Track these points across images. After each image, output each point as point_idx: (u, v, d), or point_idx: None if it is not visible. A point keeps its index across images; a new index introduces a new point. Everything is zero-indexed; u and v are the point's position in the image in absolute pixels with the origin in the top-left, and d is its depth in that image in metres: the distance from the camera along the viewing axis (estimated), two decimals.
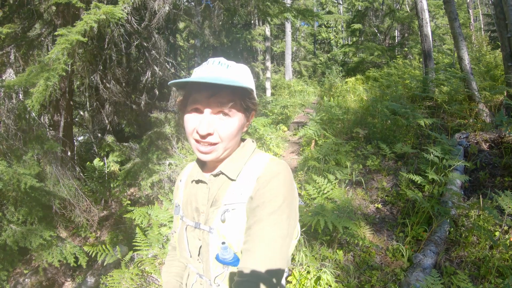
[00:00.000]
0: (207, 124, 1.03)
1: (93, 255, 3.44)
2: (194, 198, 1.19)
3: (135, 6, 4.03)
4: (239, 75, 1.09)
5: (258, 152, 1.21)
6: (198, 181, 1.20)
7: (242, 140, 1.24)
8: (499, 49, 11.66)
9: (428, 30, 8.98)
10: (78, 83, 6.03)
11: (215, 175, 1.16)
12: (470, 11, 17.28)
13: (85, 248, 3.51)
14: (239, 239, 1.04)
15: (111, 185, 6.02)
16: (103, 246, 3.48)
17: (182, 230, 1.21)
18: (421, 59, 14.12)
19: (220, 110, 1.05)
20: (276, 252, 0.98)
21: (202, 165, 1.25)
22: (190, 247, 1.18)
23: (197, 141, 1.07)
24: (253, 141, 1.26)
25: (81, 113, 7.58)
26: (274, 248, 0.98)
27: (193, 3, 8.75)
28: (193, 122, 1.06)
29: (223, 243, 1.05)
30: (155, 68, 6.00)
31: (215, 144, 1.07)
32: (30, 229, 3.58)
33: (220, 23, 7.87)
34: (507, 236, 3.71)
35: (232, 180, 1.12)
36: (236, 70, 1.10)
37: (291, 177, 1.10)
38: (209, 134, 1.04)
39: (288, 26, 17.71)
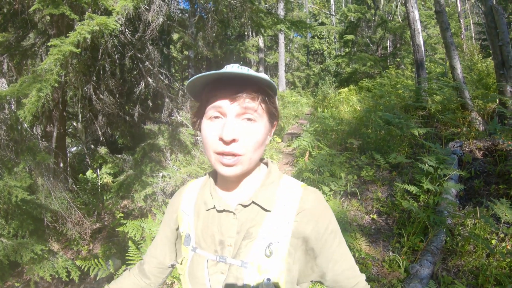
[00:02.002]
0: (232, 129, 0.92)
1: (85, 269, 3.37)
2: (217, 230, 1.06)
3: (129, 17, 4.01)
4: (260, 75, 0.99)
5: (283, 177, 1.13)
6: (220, 211, 1.06)
7: (261, 159, 1.15)
8: (490, 57, 11.82)
9: (420, 40, 9.08)
10: (71, 93, 5.98)
11: (245, 206, 1.04)
12: (461, 20, 17.52)
13: (78, 262, 3.44)
14: (283, 275, 1.00)
15: (104, 197, 5.96)
16: (96, 260, 3.41)
17: (199, 263, 1.07)
18: (413, 69, 14.26)
19: (245, 112, 0.94)
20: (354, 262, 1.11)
21: (218, 186, 1.12)
22: (211, 282, 1.05)
23: (219, 153, 0.95)
24: (272, 162, 1.17)
25: (74, 124, 7.53)
26: (353, 261, 1.11)
27: (187, 15, 8.78)
28: (216, 129, 0.95)
29: (268, 279, 0.98)
30: (149, 79, 5.99)
31: (239, 155, 0.95)
32: (21, 242, 3.49)
33: (214, 34, 7.89)
34: (503, 244, 3.71)
35: (267, 211, 1.03)
36: (256, 73, 0.99)
37: (326, 202, 1.10)
38: (234, 141, 0.93)
39: (281, 38, 17.84)
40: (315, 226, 1.02)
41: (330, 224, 1.05)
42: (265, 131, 1.01)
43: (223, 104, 0.94)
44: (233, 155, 0.94)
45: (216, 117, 0.96)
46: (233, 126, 0.92)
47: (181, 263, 1.14)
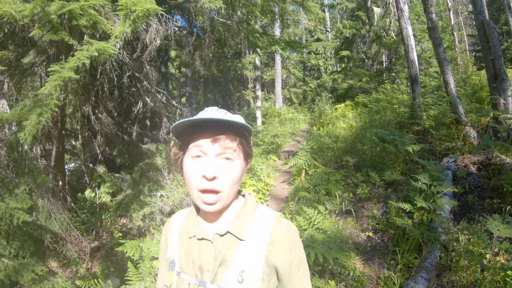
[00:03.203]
0: (214, 167, 1.02)
1: None
2: (196, 256, 1.15)
3: (127, 40, 4.11)
4: (237, 119, 1.09)
5: (260, 207, 1.23)
6: (199, 239, 1.16)
7: (239, 191, 1.24)
8: (484, 69, 11.96)
9: (414, 55, 9.18)
10: (70, 111, 6.04)
11: (222, 235, 1.13)
12: (455, 33, 17.73)
13: (77, 282, 3.48)
14: None
15: (103, 216, 5.98)
16: (95, 280, 3.45)
17: (182, 287, 1.16)
18: (408, 83, 14.39)
19: (224, 152, 1.04)
20: None
21: (201, 216, 1.21)
22: None
23: (202, 191, 1.04)
24: (250, 194, 1.26)
25: (73, 142, 7.58)
26: None
27: (184, 32, 8.91)
28: (197, 168, 1.04)
29: None
30: (147, 98, 6.07)
31: (218, 192, 1.04)
32: (22, 263, 3.55)
33: (211, 55, 8.01)
34: (497, 258, 3.74)
35: (241, 240, 1.12)
36: (234, 116, 1.10)
37: (297, 234, 1.19)
38: (215, 178, 1.02)
39: (277, 55, 18.01)
40: (284, 257, 1.12)
41: (296, 257, 1.14)
42: (242, 168, 1.11)
43: (205, 143, 1.04)
44: (214, 192, 1.04)
45: (198, 156, 1.06)
46: (214, 164, 1.02)
47: (169, 287, 1.24)
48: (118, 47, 3.83)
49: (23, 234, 3.67)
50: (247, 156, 1.16)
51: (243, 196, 1.25)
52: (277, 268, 1.11)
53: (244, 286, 1.07)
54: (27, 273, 3.46)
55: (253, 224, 1.15)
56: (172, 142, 1.23)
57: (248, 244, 1.12)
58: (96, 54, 3.31)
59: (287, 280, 1.14)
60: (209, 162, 1.03)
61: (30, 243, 3.61)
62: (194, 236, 1.16)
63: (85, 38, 3.52)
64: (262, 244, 1.11)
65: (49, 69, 3.14)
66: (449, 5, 17.17)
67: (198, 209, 1.23)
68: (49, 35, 3.46)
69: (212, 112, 1.09)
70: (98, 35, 4.39)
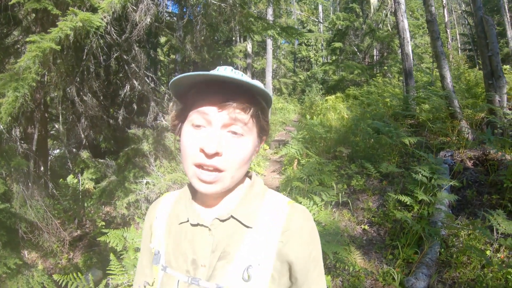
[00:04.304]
0: (217, 141, 0.79)
1: (63, 284, 3.14)
2: (188, 247, 0.91)
3: (115, 16, 3.83)
4: (256, 83, 0.85)
5: (268, 191, 1.00)
6: (194, 225, 0.93)
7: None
8: (476, 67, 11.97)
9: (409, 49, 9.13)
10: (54, 93, 5.73)
11: (223, 220, 0.91)
12: (448, 30, 17.70)
13: (55, 277, 3.20)
14: None
15: (86, 204, 5.71)
16: (75, 273, 3.19)
17: (169, 285, 0.92)
18: (400, 78, 14.38)
19: (233, 123, 0.82)
20: None
21: (195, 200, 0.98)
22: None
23: (198, 165, 0.82)
24: (257, 175, 1.03)
25: (56, 126, 7.26)
26: None
27: (175, 18, 8.62)
28: (197, 139, 0.82)
29: None
30: (135, 82, 5.78)
31: (220, 171, 0.82)
32: None
33: (202, 38, 7.73)
34: (498, 255, 3.64)
35: (247, 227, 0.90)
36: (252, 80, 0.85)
37: (314, 223, 0.97)
38: (217, 154, 0.80)
39: (269, 44, 17.79)
40: (300, 251, 0.90)
41: (314, 251, 0.94)
42: (253, 147, 0.89)
43: (210, 110, 0.82)
44: (214, 169, 0.81)
45: (199, 125, 0.83)
46: (217, 138, 0.80)
47: (152, 284, 1.01)
48: (106, 21, 3.56)
49: None
50: (262, 131, 0.93)
51: (249, 177, 1.01)
52: (291, 264, 0.89)
53: (250, 285, 0.85)
54: None
55: (263, 209, 0.93)
56: (172, 102, 0.98)
57: (257, 232, 0.89)
58: (81, 25, 3.03)
59: (302, 282, 0.92)
60: (212, 135, 0.80)
61: (2, 233, 3.29)
62: (187, 221, 0.93)
63: (69, 9, 3.22)
64: (275, 233, 0.89)
65: (27, 39, 2.85)
66: (444, 2, 17.06)
67: (193, 191, 0.98)
68: (31, 4, 3.18)
69: (225, 72, 0.84)
70: (85, 9, 4.10)
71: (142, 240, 1.10)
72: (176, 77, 0.81)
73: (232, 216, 0.90)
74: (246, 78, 0.82)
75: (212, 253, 0.88)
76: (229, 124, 0.82)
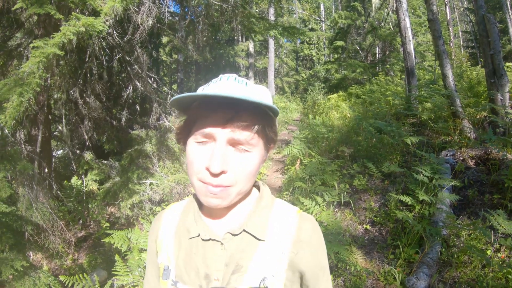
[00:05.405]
0: (222, 159, 0.79)
1: (69, 285, 3.18)
2: (200, 262, 0.91)
3: (117, 19, 3.86)
4: (260, 95, 0.86)
5: (276, 200, 1.01)
6: (205, 240, 0.92)
7: None
8: (479, 65, 11.92)
9: (411, 47, 9.09)
10: (58, 96, 5.76)
11: (235, 234, 0.90)
12: (450, 28, 17.69)
13: (61, 278, 3.24)
14: None
15: (90, 205, 5.76)
16: (80, 274, 3.24)
17: None
18: (402, 76, 14.33)
19: (238, 141, 0.80)
20: None
21: (203, 211, 0.97)
22: None
23: (205, 182, 0.81)
24: (264, 184, 1.02)
25: (60, 127, 7.31)
26: None
27: (177, 18, 8.66)
28: (202, 156, 0.82)
29: None
30: (137, 83, 5.82)
31: (227, 186, 0.81)
32: (0, 257, 3.29)
33: (204, 38, 7.76)
34: (499, 255, 3.65)
35: (260, 240, 0.90)
36: (257, 89, 0.87)
37: (321, 231, 1.00)
38: (223, 172, 0.79)
39: (271, 43, 17.82)
40: (311, 260, 0.93)
41: (323, 259, 0.98)
42: (259, 159, 0.88)
43: (213, 130, 0.80)
44: (221, 186, 0.81)
45: (203, 142, 0.83)
46: (222, 156, 0.79)
47: None
48: (108, 25, 3.59)
49: (1, 226, 3.39)
50: (269, 141, 0.92)
51: (257, 187, 1.02)
52: (303, 273, 0.92)
53: None
54: (5, 269, 3.17)
55: (272, 221, 0.94)
56: (176, 115, 0.98)
57: (269, 244, 0.90)
58: (84, 29, 3.06)
59: (313, 287, 0.96)
60: (217, 153, 0.79)
61: (8, 235, 3.33)
62: (198, 236, 0.92)
63: (72, 14, 3.25)
64: (286, 244, 0.91)
65: (31, 45, 2.89)
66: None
67: (199, 202, 0.97)
68: (34, 9, 3.21)
69: (227, 82, 0.83)
70: (87, 13, 4.14)
71: (148, 255, 1.08)
72: (175, 97, 0.80)
73: (244, 230, 0.90)
74: (249, 90, 0.83)
75: (226, 267, 0.88)
76: (235, 141, 0.81)
